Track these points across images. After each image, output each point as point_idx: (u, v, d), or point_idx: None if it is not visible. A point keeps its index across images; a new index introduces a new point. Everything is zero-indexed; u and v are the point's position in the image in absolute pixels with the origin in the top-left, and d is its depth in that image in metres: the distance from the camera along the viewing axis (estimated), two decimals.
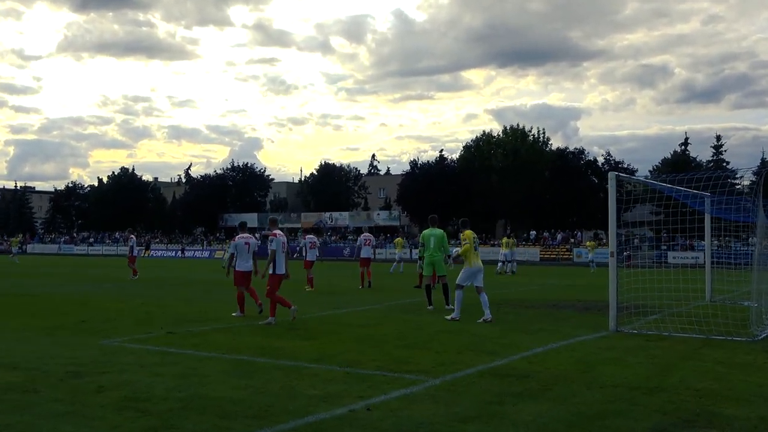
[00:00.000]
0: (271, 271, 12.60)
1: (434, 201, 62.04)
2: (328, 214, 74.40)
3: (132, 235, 28.40)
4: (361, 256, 22.30)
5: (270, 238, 12.72)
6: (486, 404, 6.51)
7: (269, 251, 12.63)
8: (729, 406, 6.52)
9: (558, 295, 19.91)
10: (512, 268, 32.92)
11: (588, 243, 41.62)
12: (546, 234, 57.93)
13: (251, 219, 76.74)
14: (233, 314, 13.58)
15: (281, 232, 13.01)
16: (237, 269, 13.70)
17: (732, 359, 9.08)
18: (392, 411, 6.22)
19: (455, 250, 14.35)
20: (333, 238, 67.94)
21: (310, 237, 22.38)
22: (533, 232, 59.41)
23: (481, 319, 12.76)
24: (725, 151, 65.56)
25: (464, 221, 14.09)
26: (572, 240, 56.58)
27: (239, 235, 13.94)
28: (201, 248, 66.70)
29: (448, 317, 13.12)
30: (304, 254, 21.76)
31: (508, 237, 35.53)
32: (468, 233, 13.39)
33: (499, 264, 33.22)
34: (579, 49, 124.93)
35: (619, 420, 6.00)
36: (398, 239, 38.69)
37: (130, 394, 6.83)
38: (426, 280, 15.55)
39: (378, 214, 73.33)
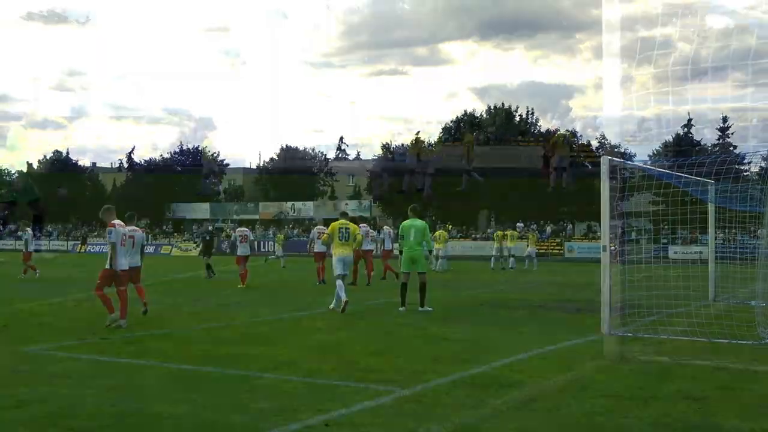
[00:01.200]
0: (108, 266, 12.59)
1: (409, 189, 62.15)
2: (290, 204, 74.12)
3: (27, 228, 27.65)
4: (315, 250, 23.14)
5: (108, 229, 12.67)
6: (461, 417, 6.49)
7: (109, 243, 12.59)
8: (731, 417, 6.57)
9: (546, 294, 20.04)
10: (513, 264, 33.64)
11: (509, 232, 37.83)
12: (534, 226, 58.26)
13: (203, 210, 76.49)
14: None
15: (121, 222, 13.03)
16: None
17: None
18: (354, 426, 6.20)
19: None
20: (296, 231, 67.75)
21: (241, 230, 23.45)
22: (520, 224, 59.69)
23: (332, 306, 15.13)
24: (732, 133, 66.39)
25: (342, 211, 16.76)
26: (563, 233, 57.06)
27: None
28: (146, 243, 65.97)
29: (330, 306, 15.07)
30: (235, 249, 22.65)
31: (513, 230, 36.19)
32: (334, 224, 15.70)
33: (511, 260, 33.96)
34: (571, 19, 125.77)
35: None
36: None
37: (54, 410, 6.73)
38: (403, 277, 15.50)
39: (346, 204, 73.04)
